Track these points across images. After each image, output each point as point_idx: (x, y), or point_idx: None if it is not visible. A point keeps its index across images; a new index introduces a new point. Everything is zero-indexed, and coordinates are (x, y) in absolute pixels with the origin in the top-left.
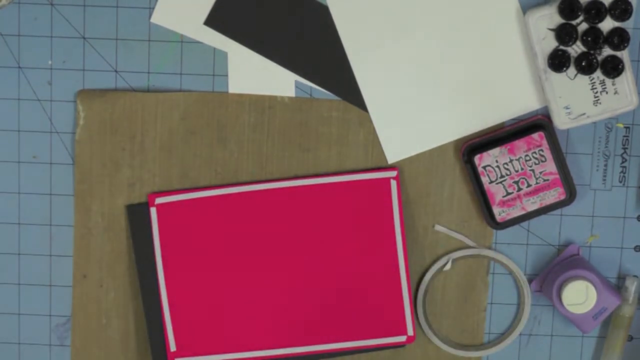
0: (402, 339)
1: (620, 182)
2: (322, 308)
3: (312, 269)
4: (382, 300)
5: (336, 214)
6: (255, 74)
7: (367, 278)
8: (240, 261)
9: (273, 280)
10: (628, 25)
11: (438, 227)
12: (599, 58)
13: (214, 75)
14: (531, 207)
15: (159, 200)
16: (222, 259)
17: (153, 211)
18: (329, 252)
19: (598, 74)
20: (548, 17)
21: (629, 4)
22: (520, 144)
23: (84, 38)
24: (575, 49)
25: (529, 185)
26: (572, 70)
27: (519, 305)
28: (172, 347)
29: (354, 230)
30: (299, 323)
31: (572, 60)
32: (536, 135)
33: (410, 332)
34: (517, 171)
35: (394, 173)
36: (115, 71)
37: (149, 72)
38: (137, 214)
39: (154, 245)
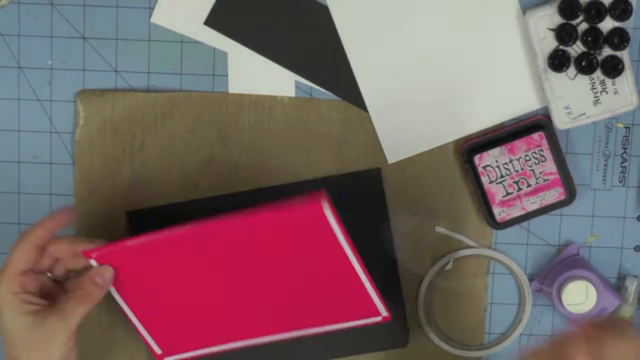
0: (378, 319)
1: (620, 182)
2: (292, 304)
3: (270, 294)
4: (348, 296)
5: (276, 247)
6: (255, 74)
7: (327, 288)
8: (196, 294)
9: (234, 310)
10: (628, 25)
11: (438, 229)
12: (599, 58)
13: (214, 75)
14: (531, 207)
15: (95, 254)
16: (178, 295)
17: (93, 262)
18: (282, 281)
19: (598, 74)
20: (548, 17)
21: (629, 4)
22: (520, 144)
23: (84, 38)
24: (575, 49)
25: (529, 185)
26: (572, 70)
27: (519, 305)
28: (157, 350)
29: (299, 258)
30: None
31: (572, 60)
32: (536, 135)
33: (384, 312)
34: (517, 171)
35: (321, 195)
36: (115, 71)
37: (149, 72)
38: (137, 219)
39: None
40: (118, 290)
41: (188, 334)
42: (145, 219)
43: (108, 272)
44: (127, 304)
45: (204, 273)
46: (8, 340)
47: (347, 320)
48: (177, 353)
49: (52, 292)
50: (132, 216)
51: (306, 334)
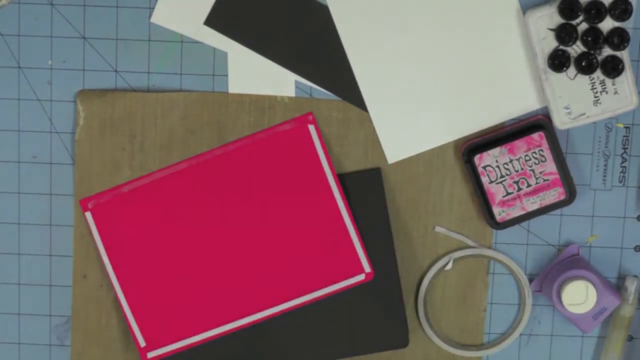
0: (361, 277)
1: (620, 182)
2: (275, 268)
3: (255, 232)
4: (331, 245)
5: (263, 174)
6: (255, 74)
7: (311, 228)
8: (185, 242)
9: (221, 252)
10: (628, 25)
11: (438, 229)
12: (599, 58)
13: (214, 75)
14: (531, 207)
15: (92, 204)
16: (166, 245)
17: (88, 215)
18: (267, 213)
19: (598, 74)
20: (548, 17)
21: (629, 4)
22: (520, 144)
23: (84, 38)
24: (575, 49)
25: (529, 185)
26: (572, 70)
27: (519, 305)
28: (142, 342)
29: (284, 185)
30: (257, 288)
31: (572, 60)
32: (536, 135)
33: (367, 268)
34: (517, 171)
35: (309, 117)
36: (115, 71)
37: (149, 72)
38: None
39: (97, 249)
40: (110, 258)
41: (173, 323)
42: None
43: None
44: (120, 283)
45: (192, 230)
46: None
47: (332, 282)
48: (160, 346)
49: None
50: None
51: (292, 304)
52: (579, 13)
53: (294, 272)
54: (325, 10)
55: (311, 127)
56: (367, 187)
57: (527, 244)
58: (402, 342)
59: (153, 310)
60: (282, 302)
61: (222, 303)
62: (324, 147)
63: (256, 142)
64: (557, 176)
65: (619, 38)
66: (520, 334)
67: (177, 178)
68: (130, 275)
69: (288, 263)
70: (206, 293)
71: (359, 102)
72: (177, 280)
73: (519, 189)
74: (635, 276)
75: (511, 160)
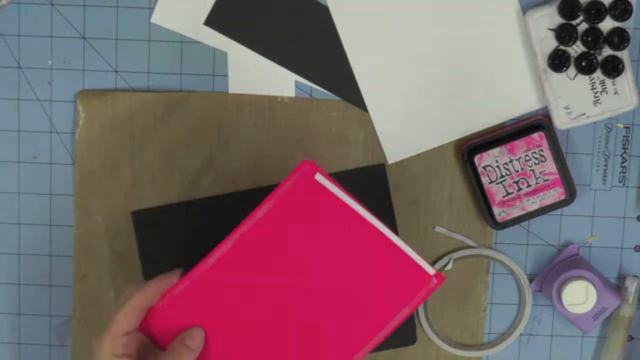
0: (433, 283)
1: (620, 182)
2: (345, 315)
3: (315, 290)
4: (390, 269)
5: (295, 233)
6: (255, 74)
7: (365, 262)
8: (258, 316)
9: (291, 319)
10: (628, 25)
11: (438, 229)
12: (599, 58)
13: (214, 75)
14: (531, 207)
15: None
16: (242, 321)
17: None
18: (318, 267)
19: (598, 74)
20: (548, 17)
21: (629, 4)
22: (520, 144)
23: (84, 38)
24: (575, 49)
25: (529, 185)
26: (572, 70)
27: (519, 305)
28: None
29: (321, 235)
30: (334, 342)
31: (572, 60)
32: (536, 135)
33: (432, 271)
34: (517, 171)
35: (308, 167)
36: (115, 71)
37: (149, 72)
38: (142, 219)
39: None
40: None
41: None
42: (149, 218)
43: (199, 334)
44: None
45: (249, 301)
46: None
47: (407, 302)
48: None
49: (148, 353)
50: (136, 216)
51: (377, 338)
52: (579, 13)
53: (366, 311)
54: (325, 10)
55: (318, 176)
56: (371, 183)
57: (527, 244)
58: (410, 340)
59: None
60: (365, 343)
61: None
62: (337, 185)
63: (274, 206)
64: (557, 176)
65: (619, 38)
66: (520, 334)
67: (224, 262)
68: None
69: (357, 305)
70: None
71: (359, 102)
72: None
73: (519, 189)
74: (635, 276)
75: (511, 160)
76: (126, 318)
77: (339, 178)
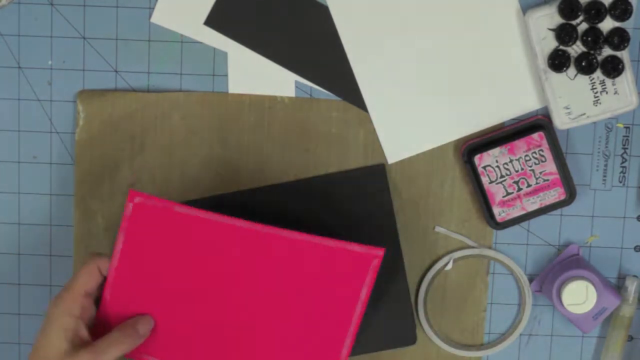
0: (375, 262)
1: (620, 182)
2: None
3: (264, 314)
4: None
5: (302, 272)
6: (255, 74)
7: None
8: (197, 295)
9: (221, 317)
10: (628, 25)
11: (438, 229)
12: (599, 58)
13: (214, 75)
14: (531, 207)
15: (138, 199)
16: (178, 285)
17: (129, 207)
18: (282, 303)
19: (598, 74)
20: (548, 17)
21: (629, 4)
22: (520, 144)
23: (84, 38)
24: (575, 49)
25: (529, 185)
26: (572, 70)
27: (519, 305)
28: None
29: (316, 289)
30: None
31: (572, 60)
32: (536, 135)
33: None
34: (517, 171)
35: (380, 252)
36: (115, 71)
37: (149, 72)
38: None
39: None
40: (120, 260)
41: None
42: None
43: (150, 323)
44: (112, 286)
45: (208, 286)
46: (39, 356)
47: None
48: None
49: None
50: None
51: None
52: (579, 13)
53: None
54: (325, 10)
55: (375, 262)
56: (371, 183)
57: (527, 244)
58: (410, 339)
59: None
60: None
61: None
62: (372, 281)
63: (321, 246)
64: (557, 176)
65: (619, 38)
66: (520, 334)
67: (229, 232)
68: (125, 287)
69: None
70: (194, 343)
71: (359, 102)
72: (169, 323)
73: (519, 189)
74: (635, 276)
75: (511, 160)
76: (88, 277)
77: (339, 178)
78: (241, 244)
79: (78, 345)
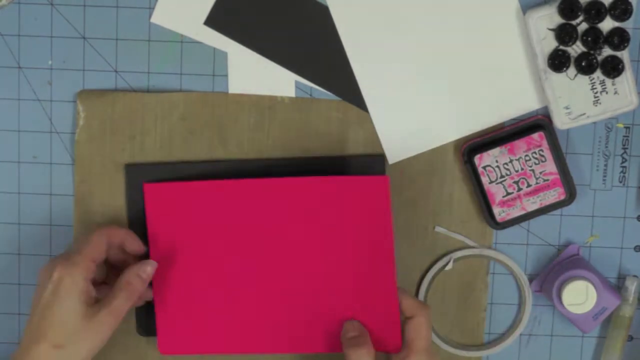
0: (386, 179)
1: (620, 182)
2: (308, 314)
3: (302, 265)
4: (373, 295)
5: (328, 212)
6: (255, 74)
7: (357, 268)
8: (227, 256)
9: (259, 279)
10: (628, 25)
11: (438, 229)
12: (599, 58)
13: (214, 75)
14: (531, 207)
15: (149, 186)
16: (209, 253)
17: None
18: (318, 248)
19: (598, 74)
20: (548, 17)
21: (629, 4)
22: (520, 144)
23: (84, 38)
24: (575, 49)
25: (529, 185)
26: (572, 70)
27: (519, 305)
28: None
29: (341, 226)
30: (284, 327)
31: (572, 60)
32: (536, 135)
33: (399, 342)
34: (517, 171)
35: (386, 178)
36: (115, 71)
37: (149, 72)
38: (135, 174)
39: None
40: (152, 245)
41: (192, 334)
42: (143, 173)
43: (150, 266)
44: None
45: (239, 246)
46: (56, 324)
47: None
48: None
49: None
50: (130, 170)
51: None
52: (579, 13)
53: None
54: (325, 10)
55: (386, 185)
56: (370, 173)
57: (527, 244)
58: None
59: (175, 315)
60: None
61: (243, 329)
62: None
63: (330, 182)
64: (557, 176)
65: (619, 38)
66: (520, 334)
67: (244, 190)
68: (162, 273)
69: (325, 311)
70: (232, 314)
71: (359, 102)
72: (207, 294)
73: (519, 189)
74: (635, 276)
75: (511, 160)
76: (99, 247)
77: (339, 164)
78: (258, 199)
79: (94, 306)
